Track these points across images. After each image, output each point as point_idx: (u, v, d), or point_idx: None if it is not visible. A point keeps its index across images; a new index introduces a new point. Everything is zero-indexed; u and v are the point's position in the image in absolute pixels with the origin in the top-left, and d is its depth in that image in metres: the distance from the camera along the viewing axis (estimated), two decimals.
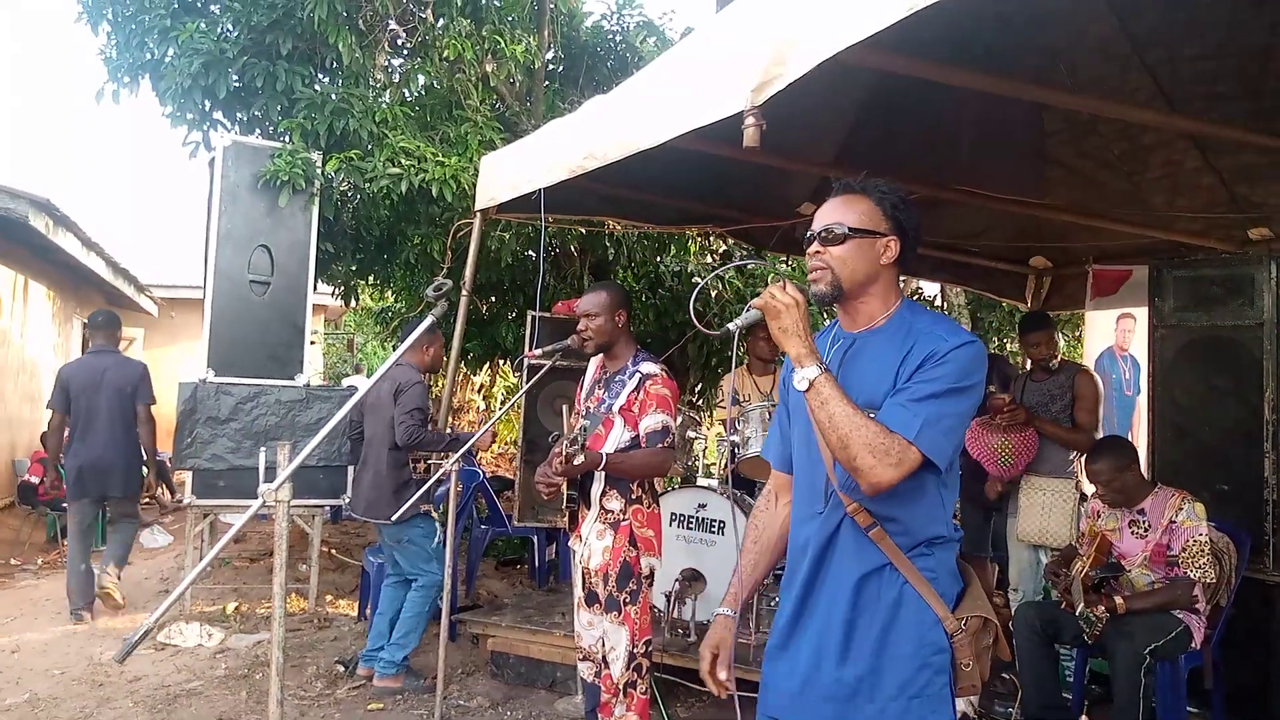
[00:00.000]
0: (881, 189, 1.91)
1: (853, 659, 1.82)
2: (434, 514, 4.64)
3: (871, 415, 1.76)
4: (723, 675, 1.99)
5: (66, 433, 5.76)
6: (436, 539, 4.49)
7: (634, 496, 3.21)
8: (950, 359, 1.76)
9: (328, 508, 6.80)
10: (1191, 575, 3.51)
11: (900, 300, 1.92)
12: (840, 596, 1.84)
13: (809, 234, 1.92)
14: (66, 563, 5.86)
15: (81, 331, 12.23)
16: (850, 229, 1.86)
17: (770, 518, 2.12)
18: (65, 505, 7.85)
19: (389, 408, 4.46)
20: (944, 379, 1.75)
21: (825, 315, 6.46)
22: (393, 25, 6.19)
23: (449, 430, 4.64)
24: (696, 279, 7.62)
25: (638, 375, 3.18)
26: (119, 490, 5.68)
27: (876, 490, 1.74)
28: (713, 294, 7.50)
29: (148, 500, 9.61)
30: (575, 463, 3.03)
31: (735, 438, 4.41)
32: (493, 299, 7.84)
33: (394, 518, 4.13)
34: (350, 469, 5.91)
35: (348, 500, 6.02)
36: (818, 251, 1.89)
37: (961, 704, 3.65)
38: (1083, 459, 4.17)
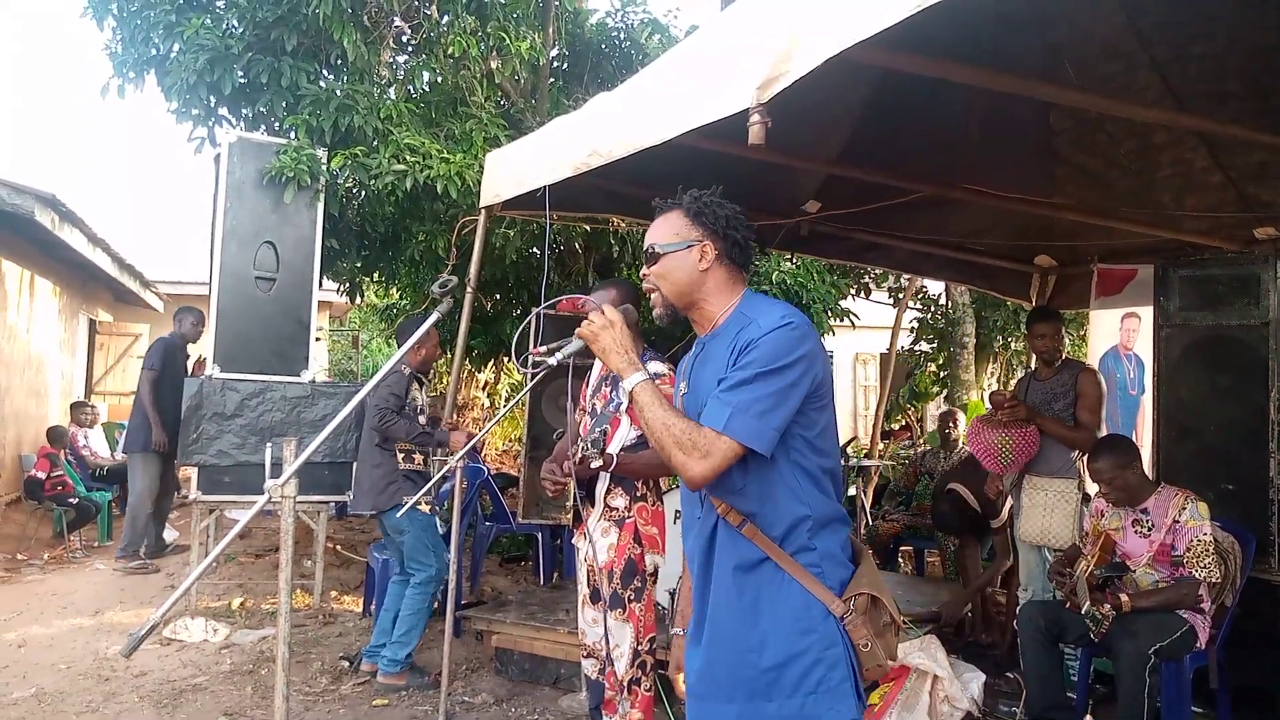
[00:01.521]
0: (689, 198, 1.99)
1: (747, 659, 1.83)
2: (436, 511, 4.65)
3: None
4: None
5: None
6: (438, 530, 4.50)
7: (639, 494, 3.21)
8: (760, 343, 1.80)
9: (333, 504, 6.80)
10: (1196, 575, 3.51)
11: (740, 296, 1.97)
12: (723, 596, 1.87)
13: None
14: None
15: (88, 327, 12.28)
16: (660, 247, 1.97)
17: None
18: (74, 500, 7.93)
19: (369, 405, 4.48)
20: (755, 364, 1.78)
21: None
22: (398, 22, 6.19)
23: (443, 428, 4.64)
24: None
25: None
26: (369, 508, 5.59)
27: (697, 485, 1.81)
28: None
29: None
30: (593, 465, 3.03)
31: None
32: (497, 296, 7.85)
33: (378, 508, 4.23)
34: (354, 465, 5.93)
35: (352, 496, 6.04)
36: (645, 274, 2.00)
37: (965, 702, 3.65)
38: (1085, 458, 4.16)
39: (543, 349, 3.79)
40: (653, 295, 2.00)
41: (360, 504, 4.56)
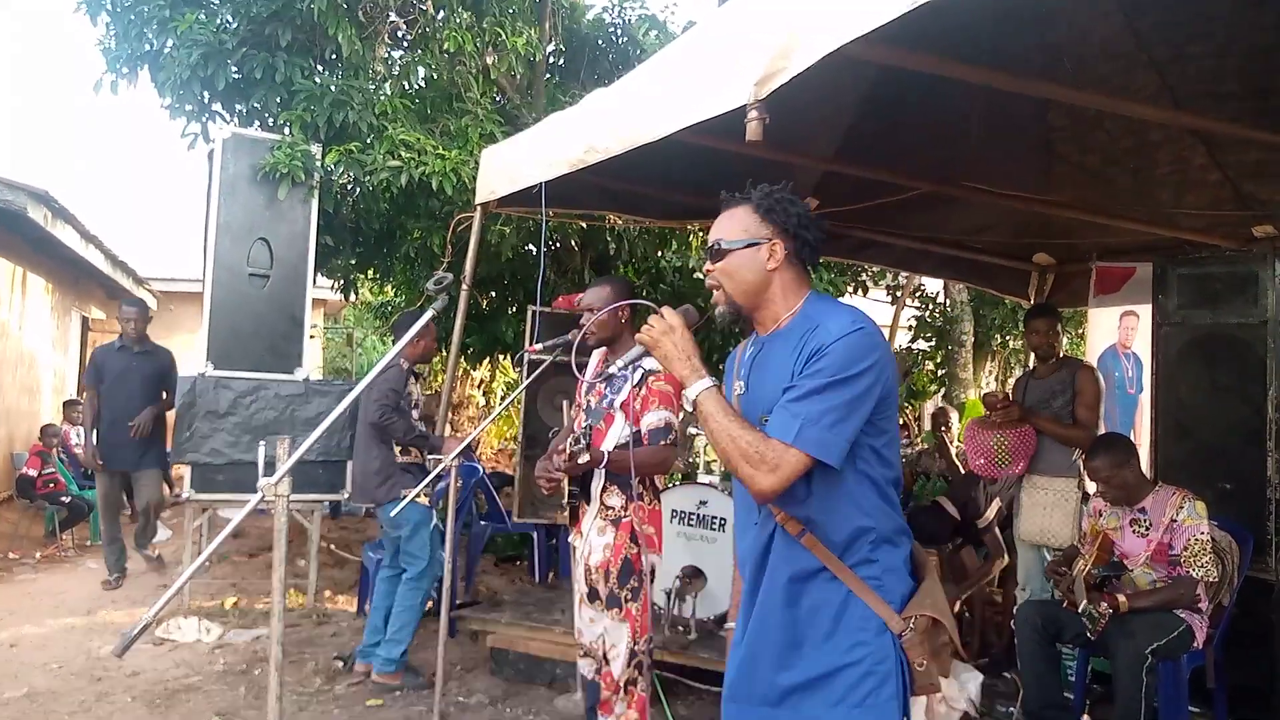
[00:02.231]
0: (759, 194, 1.92)
1: (795, 666, 1.81)
2: (434, 505, 4.62)
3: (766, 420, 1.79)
4: None
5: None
6: (433, 524, 4.47)
7: (635, 493, 3.19)
8: (831, 350, 1.74)
9: (327, 503, 6.79)
10: (1194, 574, 3.50)
11: (805, 297, 1.91)
12: (777, 603, 1.84)
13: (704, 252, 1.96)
14: None
15: (81, 324, 12.23)
16: (726, 244, 1.89)
17: None
18: (66, 499, 7.89)
19: (371, 394, 4.44)
20: (824, 372, 1.73)
21: None
22: (393, 17, 6.17)
23: (434, 430, 4.63)
24: (698, 275, 7.59)
25: (640, 371, 3.16)
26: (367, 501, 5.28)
27: (765, 498, 1.76)
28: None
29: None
30: (580, 461, 3.02)
31: None
32: (493, 293, 7.83)
33: (376, 501, 4.20)
34: (349, 464, 5.91)
35: (347, 495, 6.01)
36: (709, 270, 1.93)
37: (962, 702, 3.64)
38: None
39: (538, 346, 3.80)
40: (715, 293, 1.93)
41: (358, 497, 4.57)
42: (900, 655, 1.78)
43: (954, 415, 6.73)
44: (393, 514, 4.07)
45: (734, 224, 1.91)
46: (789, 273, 1.90)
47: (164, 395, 6.17)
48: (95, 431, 6.15)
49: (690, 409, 1.82)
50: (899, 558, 1.85)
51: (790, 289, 1.90)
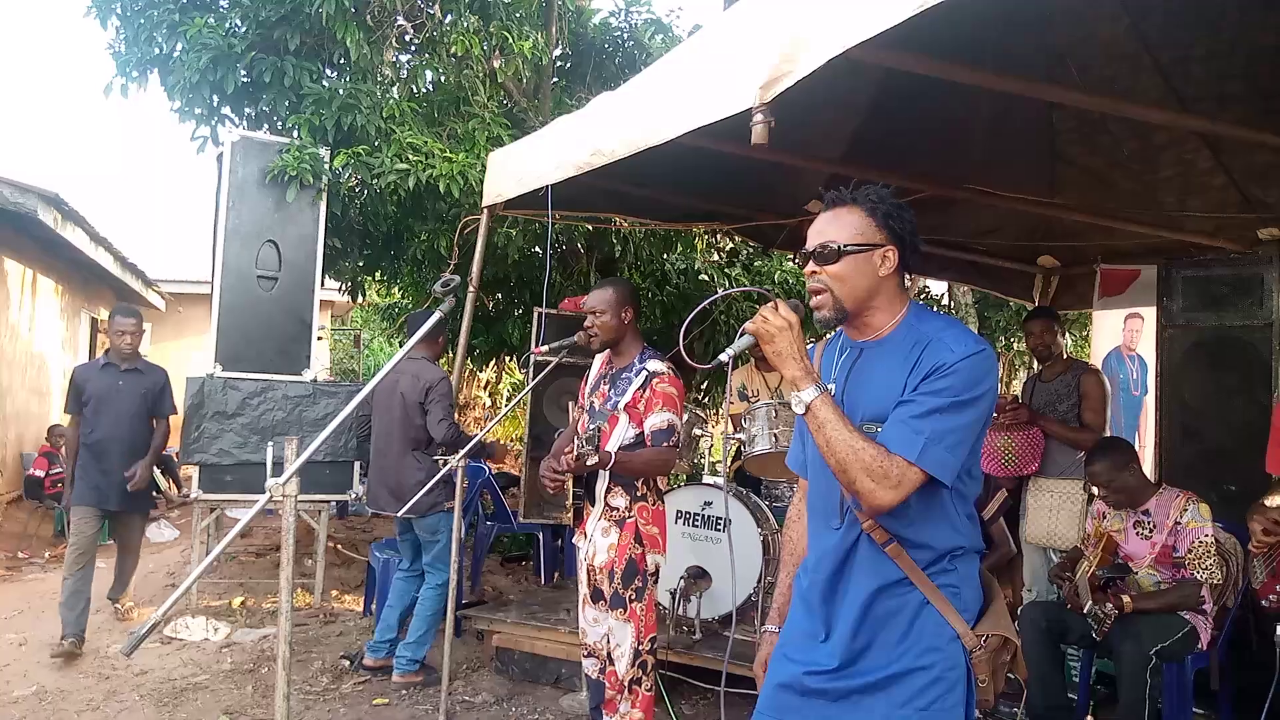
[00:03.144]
0: (873, 197, 1.85)
1: (863, 668, 1.81)
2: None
3: (876, 429, 1.74)
4: None
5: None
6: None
7: (639, 494, 3.21)
8: (956, 370, 1.71)
9: (334, 503, 6.81)
10: (1198, 576, 3.50)
11: (907, 306, 1.87)
12: (854, 609, 1.83)
13: (803, 251, 1.88)
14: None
15: (90, 326, 12.29)
16: (844, 245, 1.81)
17: (803, 529, 2.10)
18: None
19: (414, 403, 4.45)
20: (948, 391, 1.70)
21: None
22: (401, 21, 6.19)
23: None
24: (703, 277, 7.61)
25: (644, 373, 3.17)
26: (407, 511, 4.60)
27: (877, 512, 1.73)
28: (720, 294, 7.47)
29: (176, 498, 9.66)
30: (589, 462, 3.03)
31: (741, 435, 4.40)
32: (499, 295, 7.85)
33: (418, 512, 4.20)
34: (356, 465, 5.93)
35: (354, 495, 6.03)
36: (814, 271, 1.84)
37: None
38: None
39: (544, 348, 3.81)
40: (818, 296, 1.84)
41: (390, 507, 4.43)
42: (968, 666, 1.79)
43: None
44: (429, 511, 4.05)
45: (845, 226, 1.83)
46: (895, 280, 1.86)
47: (154, 422, 5.21)
48: (73, 465, 5.07)
49: (799, 412, 1.73)
50: (974, 572, 1.86)
51: (895, 296, 1.86)
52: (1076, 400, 4.43)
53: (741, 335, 1.79)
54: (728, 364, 1.77)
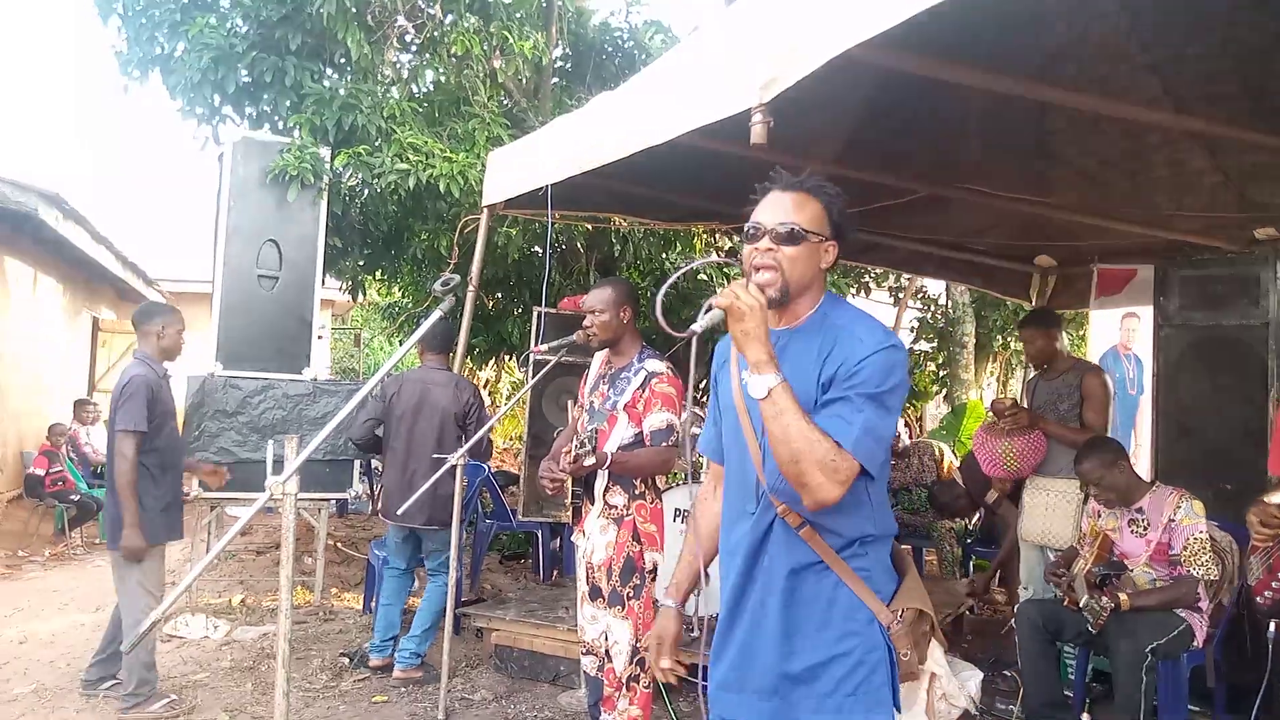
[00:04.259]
0: (829, 191, 1.89)
1: (788, 656, 1.83)
2: None
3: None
4: (665, 664, 2.09)
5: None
6: None
7: (637, 492, 3.22)
8: (873, 362, 1.74)
9: (334, 501, 6.82)
10: (1194, 573, 3.52)
11: (823, 296, 1.92)
12: (773, 594, 1.85)
13: (752, 227, 1.86)
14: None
15: (91, 325, 12.30)
16: (806, 230, 1.82)
17: (710, 509, 2.12)
18: (75, 497, 7.94)
19: (453, 415, 4.49)
20: (869, 383, 1.74)
21: None
22: (401, 21, 6.21)
23: None
24: (702, 276, 7.62)
25: (644, 373, 3.19)
26: (429, 522, 4.51)
27: (820, 506, 1.73)
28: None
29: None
30: (586, 464, 3.05)
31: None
32: (499, 295, 7.87)
33: (443, 522, 4.21)
34: (356, 463, 5.94)
35: (354, 494, 6.04)
36: (770, 249, 1.82)
37: (962, 700, 3.66)
38: None
39: (543, 347, 3.83)
40: (767, 273, 1.81)
41: (419, 520, 4.36)
42: (889, 646, 1.82)
43: (944, 449, 6.60)
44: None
45: (806, 213, 1.84)
46: (824, 276, 1.92)
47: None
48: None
49: (758, 396, 1.70)
50: (885, 553, 1.90)
51: (822, 290, 1.92)
52: (1078, 400, 4.40)
53: (708, 310, 1.75)
54: (693, 339, 1.74)
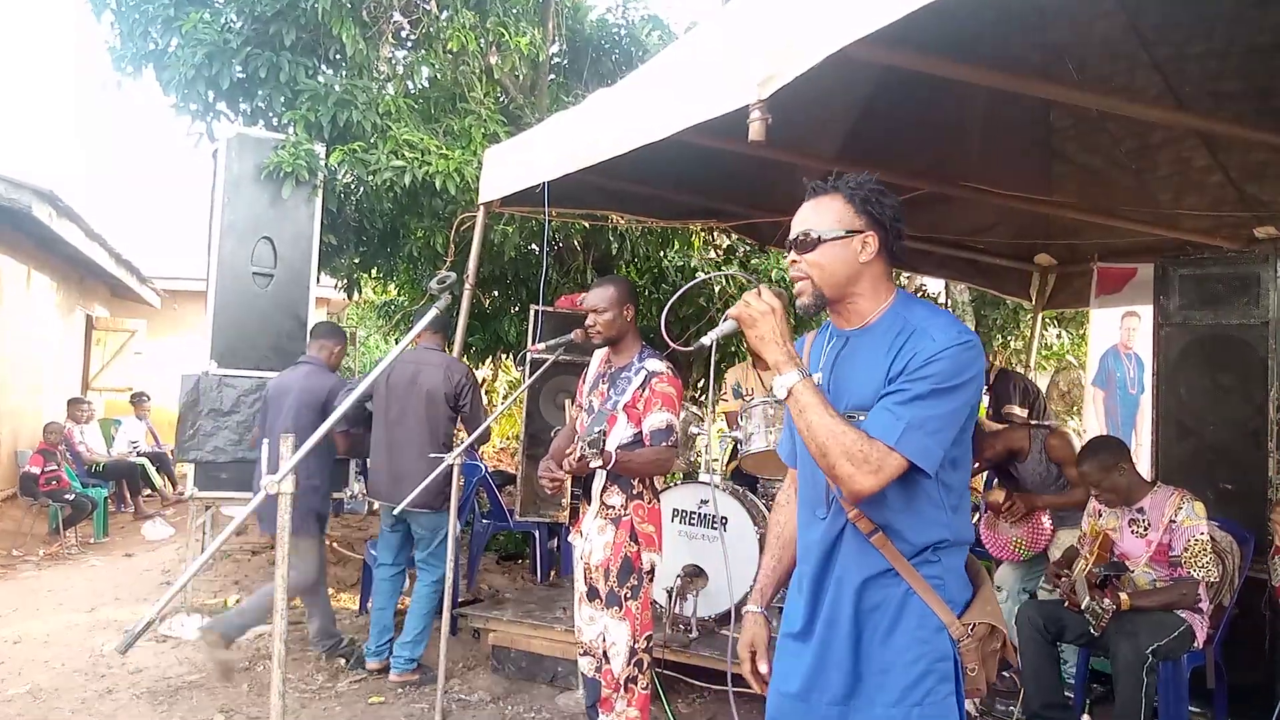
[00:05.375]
0: (851, 184, 1.86)
1: (857, 664, 1.81)
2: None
3: (861, 418, 1.74)
4: (764, 669, 2.02)
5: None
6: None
7: (635, 492, 3.20)
8: (940, 358, 1.71)
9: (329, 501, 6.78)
10: (1195, 574, 3.50)
11: (894, 295, 1.88)
12: (845, 601, 1.83)
13: (788, 243, 1.89)
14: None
15: (85, 323, 12.25)
16: (821, 234, 1.83)
17: (790, 514, 2.11)
18: (70, 496, 7.90)
19: (443, 397, 4.42)
20: (931, 378, 1.70)
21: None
22: (397, 17, 6.18)
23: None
24: (700, 274, 7.61)
25: (644, 373, 3.17)
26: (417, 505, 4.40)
27: (858, 498, 1.73)
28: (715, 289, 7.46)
29: (149, 494, 9.64)
30: (593, 465, 3.03)
31: (738, 433, 4.39)
32: (495, 293, 7.85)
33: (433, 508, 4.23)
34: (352, 462, 5.90)
35: (349, 494, 6.00)
36: (795, 260, 1.86)
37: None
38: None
39: (541, 346, 3.81)
40: (799, 283, 1.85)
41: (431, 503, 4.31)
42: (957, 657, 1.79)
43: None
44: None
45: (825, 214, 1.84)
46: (878, 267, 1.86)
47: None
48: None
49: (780, 396, 1.73)
50: (960, 564, 1.85)
51: (880, 284, 1.86)
52: (1055, 467, 4.36)
53: (725, 320, 1.81)
54: (709, 347, 1.78)
